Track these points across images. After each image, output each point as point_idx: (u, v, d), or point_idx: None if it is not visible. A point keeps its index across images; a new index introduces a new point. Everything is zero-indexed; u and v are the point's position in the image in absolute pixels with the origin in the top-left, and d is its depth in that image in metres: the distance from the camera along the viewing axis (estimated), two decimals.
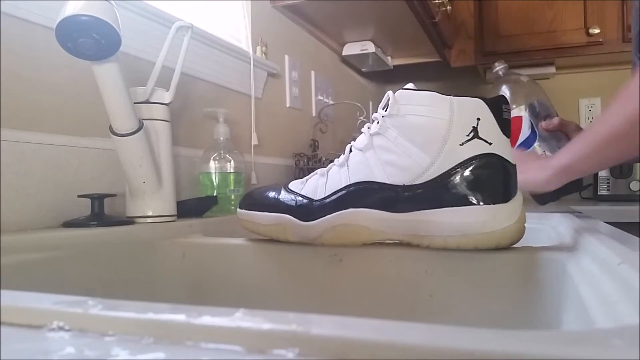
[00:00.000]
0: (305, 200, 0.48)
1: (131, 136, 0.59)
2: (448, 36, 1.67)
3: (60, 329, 0.19)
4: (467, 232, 0.41)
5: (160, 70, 0.68)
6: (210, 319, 0.18)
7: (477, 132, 0.41)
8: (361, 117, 1.40)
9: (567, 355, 0.14)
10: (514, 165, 0.43)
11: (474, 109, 0.42)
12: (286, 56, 1.29)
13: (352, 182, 0.45)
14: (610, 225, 0.63)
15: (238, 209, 0.54)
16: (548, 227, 0.71)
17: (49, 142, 0.61)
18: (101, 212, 0.60)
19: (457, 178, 0.41)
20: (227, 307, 0.19)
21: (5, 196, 0.55)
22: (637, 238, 0.48)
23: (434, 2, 1.39)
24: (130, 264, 0.56)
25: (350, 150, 0.47)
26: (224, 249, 0.56)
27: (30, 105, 0.61)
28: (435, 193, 0.42)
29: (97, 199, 0.60)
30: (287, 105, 1.29)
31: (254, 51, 1.13)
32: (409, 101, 0.43)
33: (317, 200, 0.47)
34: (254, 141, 1.09)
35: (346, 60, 1.69)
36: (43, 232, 0.52)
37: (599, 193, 1.65)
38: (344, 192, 0.46)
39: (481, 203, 0.41)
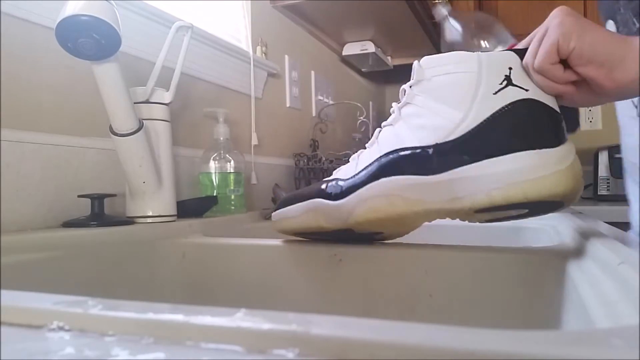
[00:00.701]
0: (334, 182, 0.46)
1: (131, 136, 0.59)
2: None
3: (60, 329, 0.19)
4: (513, 180, 0.36)
5: (160, 70, 0.68)
6: (210, 319, 0.18)
7: (511, 80, 0.39)
8: (361, 117, 1.40)
9: (567, 355, 0.14)
10: (559, 113, 0.40)
11: (504, 60, 0.39)
12: (286, 56, 1.29)
13: (381, 154, 0.43)
14: (610, 225, 0.63)
15: (272, 214, 0.51)
16: (548, 227, 0.71)
17: (49, 142, 0.61)
18: (101, 212, 0.60)
19: (494, 127, 0.38)
20: (227, 307, 0.19)
21: (5, 196, 0.55)
22: (637, 238, 0.48)
23: (434, 2, 1.39)
24: (130, 264, 0.56)
25: (380, 131, 0.45)
26: (224, 249, 0.56)
27: (30, 105, 0.61)
28: (472, 146, 0.38)
29: (97, 199, 0.60)
30: (287, 105, 1.29)
31: (254, 51, 1.13)
32: (434, 64, 0.41)
33: (347, 179, 0.44)
34: (254, 141, 1.09)
35: (346, 60, 1.69)
36: (43, 232, 0.52)
37: (599, 193, 1.65)
38: (374, 164, 0.43)
39: (525, 149, 0.37)
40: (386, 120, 0.45)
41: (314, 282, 0.50)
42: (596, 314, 0.26)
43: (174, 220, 0.68)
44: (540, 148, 0.37)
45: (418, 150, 0.40)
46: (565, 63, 0.39)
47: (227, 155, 0.86)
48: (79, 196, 0.60)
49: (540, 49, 0.38)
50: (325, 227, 0.46)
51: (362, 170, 0.43)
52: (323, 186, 0.46)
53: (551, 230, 0.69)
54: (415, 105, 0.42)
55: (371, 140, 0.45)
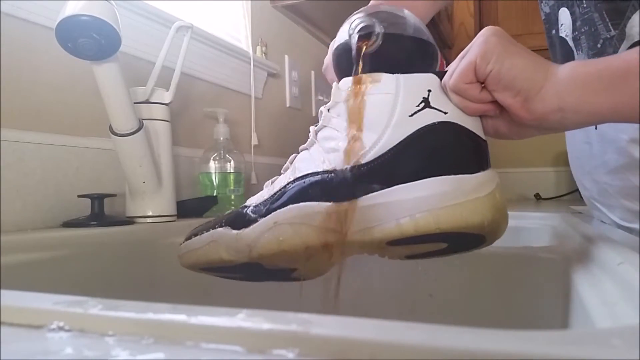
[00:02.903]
0: (241, 210, 0.41)
1: (131, 136, 0.59)
2: (448, 36, 1.67)
3: (60, 329, 0.19)
4: (425, 208, 0.33)
5: (160, 70, 0.68)
6: (210, 319, 0.18)
7: (429, 102, 0.36)
8: None
9: (567, 355, 0.14)
10: (483, 140, 0.37)
11: (424, 81, 0.37)
12: (286, 56, 1.29)
13: (293, 179, 0.39)
14: (610, 225, 0.63)
15: (178, 248, 0.44)
16: (548, 227, 0.71)
17: (49, 142, 0.61)
18: (101, 212, 0.60)
19: (409, 151, 0.35)
20: (227, 307, 0.19)
21: (5, 196, 0.55)
22: (637, 238, 0.48)
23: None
24: (130, 264, 0.56)
25: (297, 155, 0.42)
26: None
27: (30, 105, 0.61)
28: (384, 171, 0.35)
29: (97, 199, 0.60)
30: (287, 105, 1.29)
31: (254, 51, 1.13)
32: (352, 85, 0.38)
33: (255, 206, 0.40)
34: (254, 141, 1.09)
35: None
36: (43, 232, 0.52)
37: None
38: (281, 191, 0.39)
39: (440, 174, 0.34)
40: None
41: (314, 282, 0.50)
42: (596, 314, 0.26)
43: (174, 220, 0.68)
44: (456, 174, 0.34)
45: (329, 175, 0.37)
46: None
47: (227, 155, 0.86)
48: (79, 196, 0.60)
49: (457, 68, 0.36)
50: (226, 259, 0.40)
51: (272, 196, 0.40)
52: (229, 216, 0.41)
53: (551, 230, 0.69)
54: (331, 128, 0.39)
55: (285, 165, 0.42)
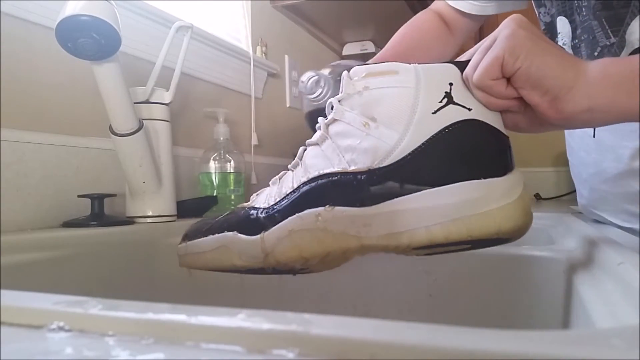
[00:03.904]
0: (251, 212, 0.39)
1: (131, 136, 0.59)
2: None
3: (60, 329, 0.19)
4: (456, 216, 0.32)
5: (160, 70, 0.68)
6: (210, 319, 0.18)
7: (452, 97, 0.34)
8: None
9: (567, 355, 0.14)
10: (506, 136, 0.35)
11: (444, 73, 0.35)
12: (286, 56, 1.29)
13: (307, 179, 0.37)
14: (610, 225, 0.63)
15: (177, 247, 0.43)
16: (548, 227, 0.71)
17: (49, 142, 0.61)
18: (101, 212, 0.60)
19: (434, 152, 0.33)
20: (227, 307, 0.19)
21: (5, 196, 0.55)
22: (637, 238, 0.48)
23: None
24: (130, 264, 0.56)
25: (305, 150, 0.39)
26: None
27: (30, 105, 0.61)
28: (409, 174, 0.33)
29: (97, 199, 0.60)
30: (287, 105, 1.29)
31: (254, 51, 1.13)
32: (365, 75, 0.36)
33: (264, 209, 0.38)
34: (254, 141, 1.09)
35: None
36: (43, 232, 0.52)
37: None
38: (296, 193, 0.37)
39: (469, 178, 0.32)
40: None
41: (314, 282, 0.50)
42: (596, 314, 0.26)
43: (174, 220, 0.68)
44: (485, 177, 0.33)
45: (348, 177, 0.34)
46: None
47: (227, 155, 0.86)
48: (79, 196, 0.60)
49: (482, 62, 0.33)
50: (238, 265, 0.39)
51: (284, 197, 0.37)
52: (239, 217, 0.39)
53: (551, 230, 0.69)
54: (345, 123, 0.36)
55: (294, 161, 0.39)
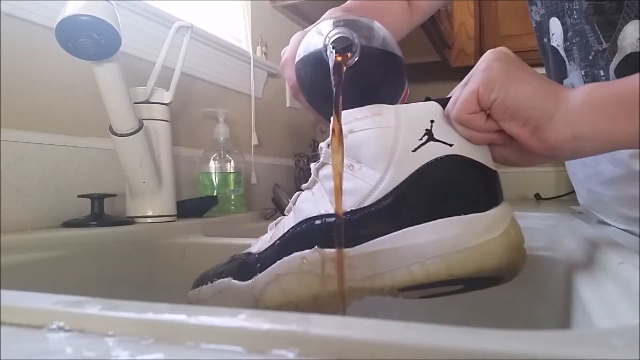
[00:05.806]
0: (245, 257, 0.39)
1: (131, 136, 0.59)
2: (448, 36, 1.67)
3: (60, 329, 0.19)
4: (435, 254, 0.31)
5: (160, 70, 0.68)
6: (210, 319, 0.18)
7: (432, 134, 0.34)
8: None
9: (567, 355, 0.14)
10: (492, 170, 0.34)
11: (425, 111, 0.35)
12: None
13: (295, 223, 0.37)
14: (610, 225, 0.63)
15: (188, 295, 0.43)
16: (548, 227, 0.71)
17: (49, 142, 0.61)
18: (101, 212, 0.60)
19: (414, 190, 0.33)
20: (227, 307, 0.19)
21: (5, 196, 0.55)
22: (637, 238, 0.48)
23: None
24: (130, 264, 0.56)
25: (299, 195, 0.40)
26: (224, 249, 0.56)
27: (30, 105, 0.61)
28: (389, 212, 0.33)
29: (97, 199, 0.60)
30: (287, 105, 1.29)
31: (254, 51, 1.13)
32: (349, 119, 0.36)
33: (259, 253, 0.38)
34: (254, 141, 1.09)
35: None
36: (43, 232, 0.52)
37: None
38: (285, 236, 0.37)
39: (448, 215, 0.32)
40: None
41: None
42: (596, 314, 0.26)
43: (174, 220, 0.68)
44: (466, 213, 0.32)
45: (331, 219, 0.34)
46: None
47: (227, 155, 0.86)
48: (79, 196, 0.60)
49: (459, 97, 0.33)
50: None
51: (276, 241, 0.38)
52: (235, 263, 0.40)
53: (551, 230, 0.69)
54: (332, 166, 0.36)
55: (288, 205, 0.40)
